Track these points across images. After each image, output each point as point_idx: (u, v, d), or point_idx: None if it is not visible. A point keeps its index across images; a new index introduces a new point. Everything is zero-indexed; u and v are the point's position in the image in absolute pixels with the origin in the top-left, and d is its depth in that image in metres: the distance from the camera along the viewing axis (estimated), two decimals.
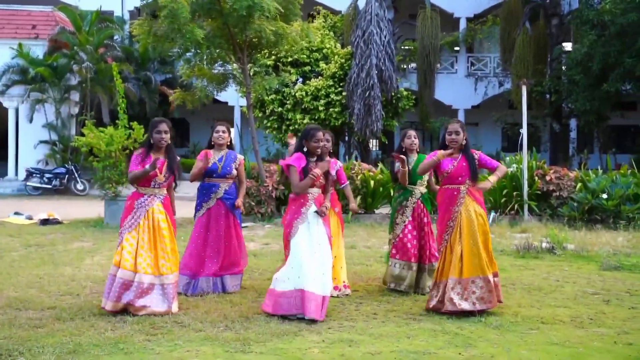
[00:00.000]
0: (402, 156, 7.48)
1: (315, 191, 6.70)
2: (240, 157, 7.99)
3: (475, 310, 6.56)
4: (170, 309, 6.56)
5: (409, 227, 7.80)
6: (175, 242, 6.81)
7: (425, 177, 7.88)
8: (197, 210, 7.85)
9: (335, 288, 7.45)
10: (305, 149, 6.69)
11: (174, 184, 6.94)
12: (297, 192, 6.61)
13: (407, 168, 7.50)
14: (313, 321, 6.31)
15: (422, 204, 7.87)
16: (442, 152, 6.83)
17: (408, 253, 7.75)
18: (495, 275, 6.75)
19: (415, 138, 7.90)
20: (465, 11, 30.62)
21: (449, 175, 6.78)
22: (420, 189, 7.87)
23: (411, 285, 7.76)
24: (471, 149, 6.90)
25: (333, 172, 7.59)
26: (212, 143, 7.90)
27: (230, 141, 7.98)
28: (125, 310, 6.48)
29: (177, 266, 6.84)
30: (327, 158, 7.03)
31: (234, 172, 7.85)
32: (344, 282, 7.76)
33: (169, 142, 6.80)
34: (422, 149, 8.03)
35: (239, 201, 7.89)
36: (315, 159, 6.72)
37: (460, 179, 6.77)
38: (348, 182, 8.19)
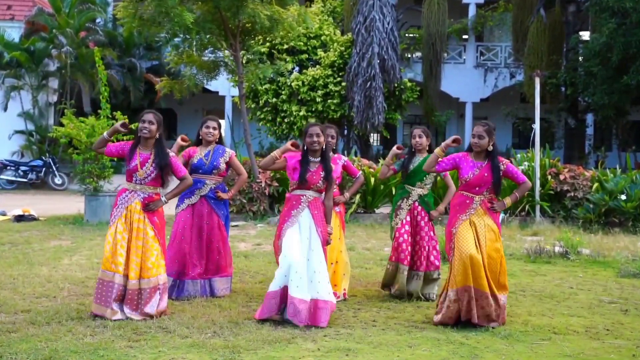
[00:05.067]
0: (398, 151, 7.73)
1: (309, 194, 6.70)
2: (229, 150, 7.95)
3: (487, 325, 6.52)
4: (140, 315, 6.55)
5: (405, 228, 7.88)
6: (157, 244, 6.71)
7: (428, 179, 7.92)
8: (177, 205, 7.82)
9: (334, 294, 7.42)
10: (305, 147, 6.72)
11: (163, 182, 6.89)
12: (260, 166, 7.16)
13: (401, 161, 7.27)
14: (308, 327, 6.32)
15: (419, 206, 7.92)
16: (439, 148, 6.80)
17: (400, 255, 7.82)
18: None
19: (420, 137, 7.96)
20: None
21: (467, 183, 6.71)
22: (419, 190, 7.93)
23: (402, 289, 7.79)
24: (499, 156, 6.77)
25: (338, 168, 7.60)
26: (200, 138, 7.88)
27: (220, 136, 7.96)
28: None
29: (159, 270, 6.72)
30: (330, 154, 7.05)
31: (222, 166, 7.82)
32: (344, 290, 7.77)
33: (155, 135, 6.74)
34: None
35: (225, 195, 7.87)
36: (319, 159, 6.72)
37: (477, 188, 6.69)
38: (360, 173, 8.16)
